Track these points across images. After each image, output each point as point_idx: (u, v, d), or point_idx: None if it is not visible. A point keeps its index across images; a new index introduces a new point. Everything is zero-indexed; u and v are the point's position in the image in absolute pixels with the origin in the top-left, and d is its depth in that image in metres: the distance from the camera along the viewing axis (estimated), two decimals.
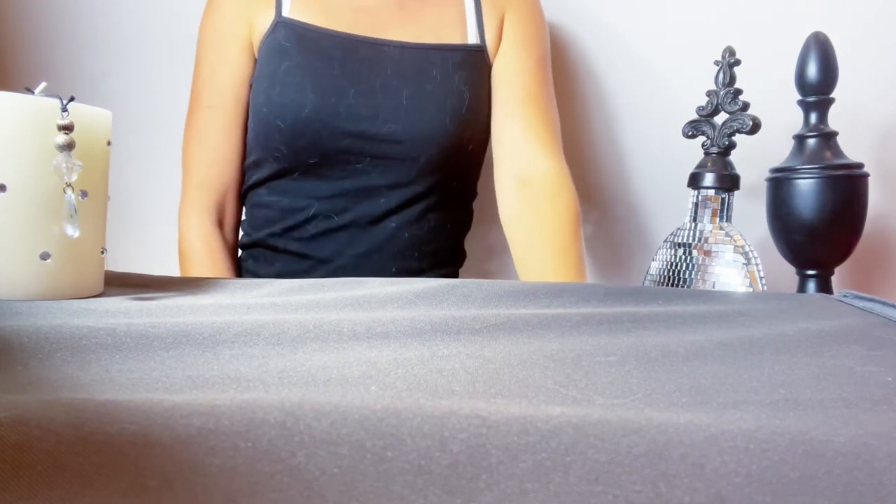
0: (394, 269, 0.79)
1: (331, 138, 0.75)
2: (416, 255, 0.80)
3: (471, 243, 0.96)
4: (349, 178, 0.78)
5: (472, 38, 0.83)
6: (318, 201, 0.78)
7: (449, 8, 0.83)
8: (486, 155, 0.88)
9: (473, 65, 0.81)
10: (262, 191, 0.81)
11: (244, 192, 0.84)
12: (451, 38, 0.82)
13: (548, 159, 0.81)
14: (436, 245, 0.82)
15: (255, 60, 0.80)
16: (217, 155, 0.81)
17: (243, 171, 0.83)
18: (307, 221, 0.79)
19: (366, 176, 0.78)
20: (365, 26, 0.79)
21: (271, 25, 0.78)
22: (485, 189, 0.91)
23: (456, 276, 0.88)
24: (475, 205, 0.90)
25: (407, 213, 0.79)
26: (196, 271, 0.78)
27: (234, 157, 0.81)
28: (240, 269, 0.84)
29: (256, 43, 0.80)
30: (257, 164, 0.81)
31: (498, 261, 1.05)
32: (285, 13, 0.78)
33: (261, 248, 0.82)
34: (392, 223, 0.79)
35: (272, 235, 0.80)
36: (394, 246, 0.79)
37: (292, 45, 0.76)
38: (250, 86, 0.80)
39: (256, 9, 0.80)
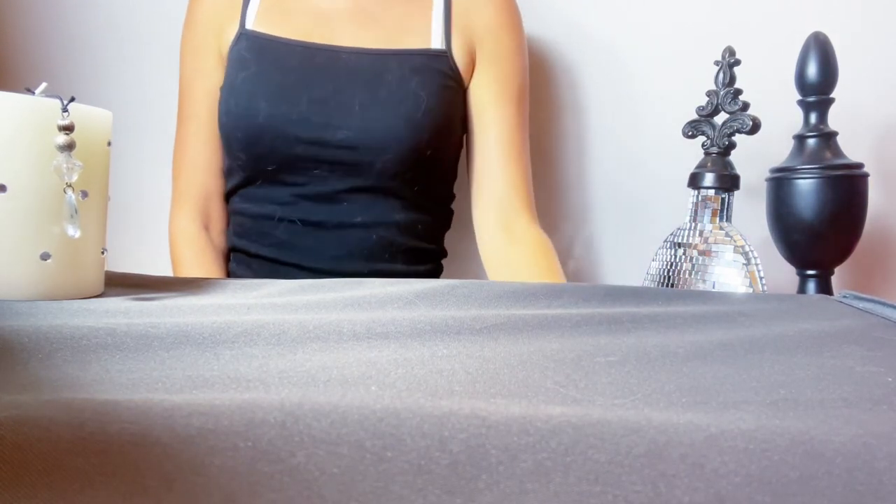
0: (367, 271, 0.79)
1: (285, 146, 0.76)
2: (388, 255, 0.80)
3: (462, 243, 0.96)
4: (309, 185, 0.78)
5: (436, 43, 0.82)
6: (281, 207, 0.79)
7: (413, 12, 0.83)
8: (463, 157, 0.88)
9: (434, 69, 0.80)
10: (236, 198, 0.83)
11: (226, 200, 0.86)
12: (412, 42, 0.81)
13: (528, 218, 0.84)
14: (407, 245, 0.82)
15: None
16: (197, 163, 0.83)
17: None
18: (274, 228, 0.80)
19: (324, 182, 0.78)
20: (323, 34, 0.80)
21: (235, 37, 0.80)
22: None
23: (436, 273, 0.88)
24: (464, 207, 0.90)
25: (372, 216, 0.79)
26: (186, 274, 0.80)
27: (213, 164, 0.84)
28: (228, 273, 0.85)
29: (224, 55, 0.82)
30: (229, 173, 0.83)
31: None
32: (248, 25, 0.80)
33: (241, 254, 0.83)
34: (358, 226, 0.79)
35: (248, 242, 0.82)
36: (363, 248, 0.79)
37: (252, 56, 0.78)
38: None
39: (225, 21, 0.82)
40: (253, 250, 0.81)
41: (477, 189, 0.85)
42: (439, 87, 0.80)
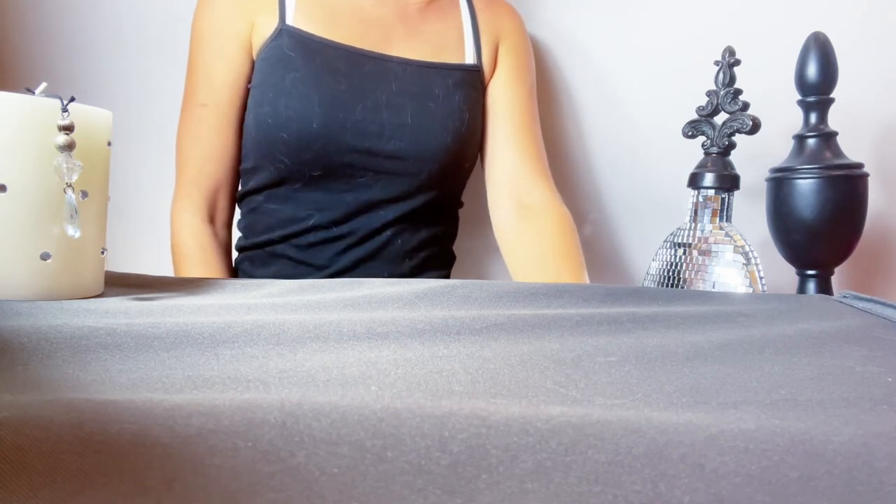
0: (386, 274, 0.81)
1: (336, 153, 0.76)
2: (408, 260, 0.82)
3: (465, 244, 0.96)
4: (351, 192, 0.78)
5: (470, 59, 0.85)
6: (318, 212, 0.79)
7: (448, 27, 0.85)
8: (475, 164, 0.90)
9: (471, 84, 0.84)
10: (259, 198, 0.81)
11: (241, 196, 0.84)
12: (450, 56, 0.83)
13: (545, 188, 0.86)
14: (426, 253, 0.84)
15: (253, 62, 0.79)
16: (209, 153, 0.80)
17: (237, 169, 0.83)
18: (306, 231, 0.79)
19: (368, 189, 0.79)
20: (369, 39, 0.79)
21: (274, 32, 0.77)
22: (475, 191, 0.91)
23: (447, 277, 0.89)
24: (468, 207, 0.92)
25: (403, 225, 0.81)
26: (187, 267, 0.78)
27: (226, 155, 0.81)
28: (236, 272, 0.84)
29: (256, 46, 0.78)
30: (255, 171, 0.80)
31: (490, 259, 1.05)
32: (289, 21, 0.77)
33: (258, 251, 0.82)
34: (388, 234, 0.80)
35: (270, 242, 0.81)
36: (387, 254, 0.81)
37: (297, 55, 0.75)
38: (247, 88, 0.80)
39: (257, 10, 0.78)
40: (278, 251, 0.80)
41: (490, 168, 0.88)
42: (474, 102, 0.84)
